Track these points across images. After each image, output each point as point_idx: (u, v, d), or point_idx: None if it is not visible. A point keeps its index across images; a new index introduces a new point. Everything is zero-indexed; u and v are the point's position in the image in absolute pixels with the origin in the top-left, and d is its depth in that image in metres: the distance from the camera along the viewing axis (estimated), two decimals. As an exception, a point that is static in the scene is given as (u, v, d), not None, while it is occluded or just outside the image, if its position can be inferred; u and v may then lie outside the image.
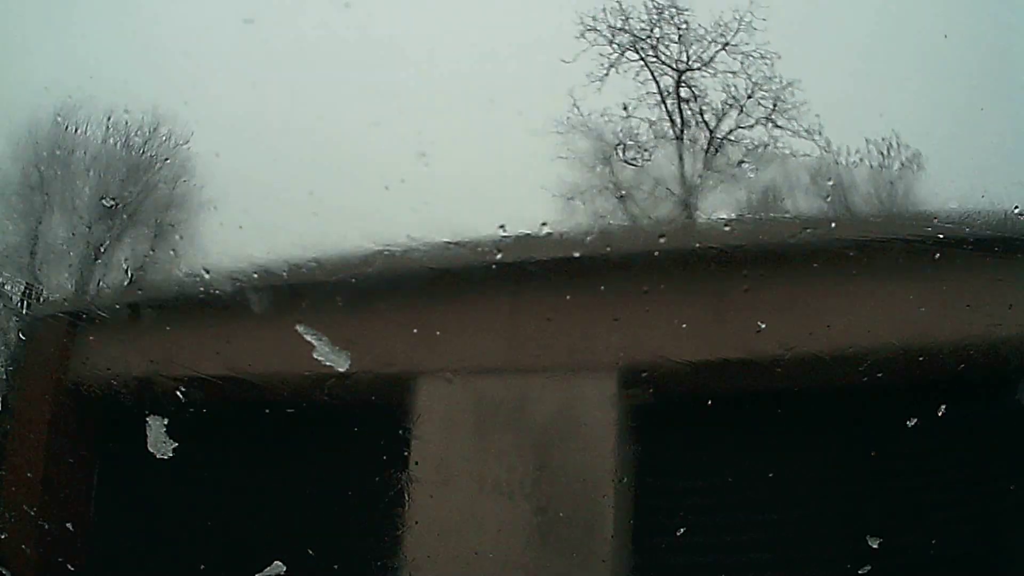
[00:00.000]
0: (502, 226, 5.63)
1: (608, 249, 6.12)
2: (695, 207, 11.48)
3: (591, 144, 11.69)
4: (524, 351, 5.54)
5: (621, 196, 11.37)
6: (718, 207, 11.35)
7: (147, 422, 8.56)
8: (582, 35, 12.00)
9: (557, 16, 11.94)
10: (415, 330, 5.76)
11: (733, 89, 11.98)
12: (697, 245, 5.67)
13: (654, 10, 12.30)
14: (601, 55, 12.11)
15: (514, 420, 5.52)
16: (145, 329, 6.69)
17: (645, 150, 11.76)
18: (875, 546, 5.05)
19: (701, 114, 12.04)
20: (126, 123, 11.31)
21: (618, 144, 11.71)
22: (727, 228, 6.71)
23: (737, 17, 11.99)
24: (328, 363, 9.31)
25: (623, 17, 12.23)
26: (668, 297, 5.35)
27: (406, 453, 5.57)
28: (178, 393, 6.02)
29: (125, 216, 11.43)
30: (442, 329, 5.71)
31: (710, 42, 12.11)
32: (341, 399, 5.68)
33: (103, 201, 11.40)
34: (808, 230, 6.13)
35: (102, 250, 11.18)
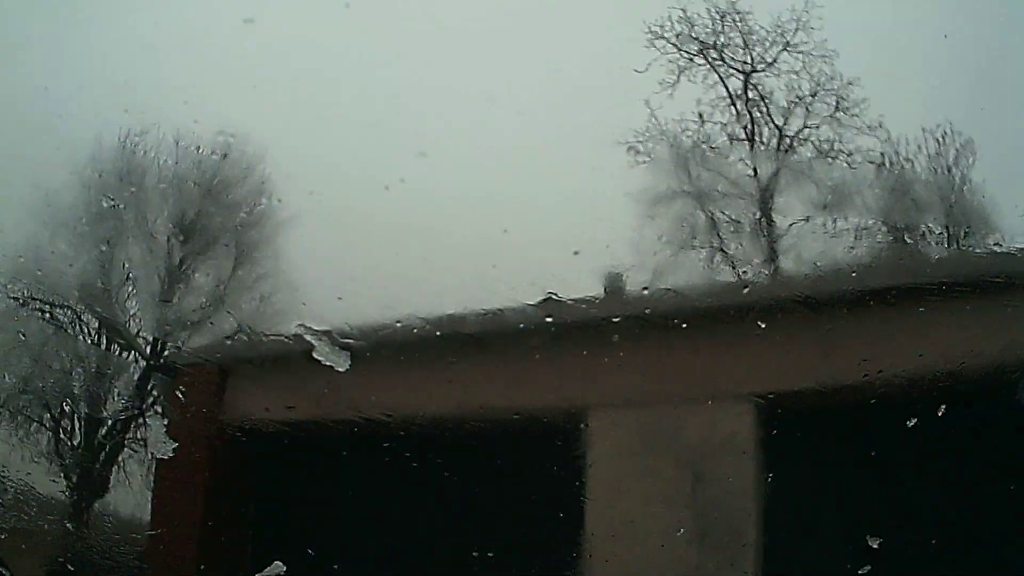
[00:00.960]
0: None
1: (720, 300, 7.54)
2: (772, 210, 11.68)
3: (669, 150, 12.04)
4: (675, 384, 6.52)
5: (700, 198, 11.69)
6: (793, 206, 11.62)
7: (147, 423, 8.57)
8: (651, 44, 12.34)
9: (626, 27, 12.20)
10: (584, 370, 6.62)
11: (797, 89, 12.29)
12: (803, 293, 6.73)
13: (716, 15, 12.57)
14: (670, 62, 12.44)
15: (671, 442, 6.47)
16: (293, 373, 7.16)
17: (721, 154, 12.09)
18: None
19: (770, 115, 12.31)
20: (198, 148, 11.32)
21: (695, 149, 12.05)
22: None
23: (795, 17, 12.30)
24: (328, 363, 9.39)
25: (688, 24, 12.50)
26: (785, 333, 6.36)
27: (581, 473, 6.44)
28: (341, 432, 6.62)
29: (204, 240, 11.55)
30: (607, 368, 6.58)
31: (771, 43, 12.40)
32: (523, 432, 6.53)
33: (103, 201, 11.43)
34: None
35: (184, 274, 11.38)
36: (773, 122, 12.19)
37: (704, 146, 12.07)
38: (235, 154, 11.43)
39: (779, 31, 12.35)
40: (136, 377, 10.73)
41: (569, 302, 7.01)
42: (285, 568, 6.39)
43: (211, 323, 11.06)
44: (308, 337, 10.33)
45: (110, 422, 10.65)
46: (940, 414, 5.63)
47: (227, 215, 11.74)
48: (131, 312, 11.16)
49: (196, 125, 10.83)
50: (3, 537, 6.94)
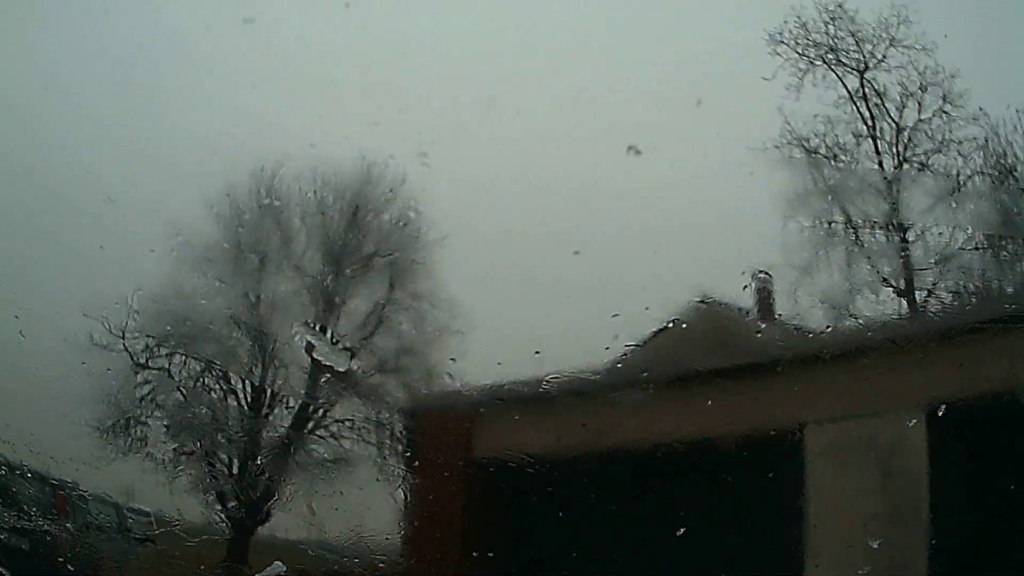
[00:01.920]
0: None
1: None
2: (898, 201, 12.00)
3: (802, 154, 12.27)
4: (867, 401, 7.20)
5: (834, 197, 12.03)
6: (919, 200, 11.93)
7: (148, 424, 8.68)
8: (774, 52, 12.54)
9: (748, 34, 12.53)
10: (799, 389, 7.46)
11: (907, 83, 12.54)
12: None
13: (828, 17, 12.75)
14: (791, 65, 12.64)
15: (867, 448, 7.18)
16: (532, 414, 7.92)
17: (847, 151, 12.40)
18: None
19: (886, 110, 12.58)
20: (334, 173, 11.38)
21: (825, 150, 12.33)
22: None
23: (895, 12, 12.56)
24: (328, 363, 9.45)
25: (802, 27, 12.68)
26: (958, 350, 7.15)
27: (800, 486, 7.09)
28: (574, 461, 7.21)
29: (356, 263, 11.55)
30: (816, 389, 7.41)
31: (878, 40, 12.66)
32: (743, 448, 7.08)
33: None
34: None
35: (338, 300, 11.37)
36: (890, 117, 12.53)
37: (833, 146, 12.45)
38: (376, 177, 11.62)
39: (884, 27, 12.67)
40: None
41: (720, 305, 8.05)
42: (285, 568, 6.43)
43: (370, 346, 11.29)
44: (309, 337, 10.41)
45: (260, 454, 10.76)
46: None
47: (376, 238, 11.83)
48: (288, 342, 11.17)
49: (326, 149, 10.91)
50: (3, 537, 6.93)
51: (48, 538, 7.27)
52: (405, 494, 8.16)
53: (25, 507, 7.35)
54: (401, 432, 9.68)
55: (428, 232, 11.31)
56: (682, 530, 6.29)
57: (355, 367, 10.87)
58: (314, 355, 10.28)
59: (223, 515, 10.07)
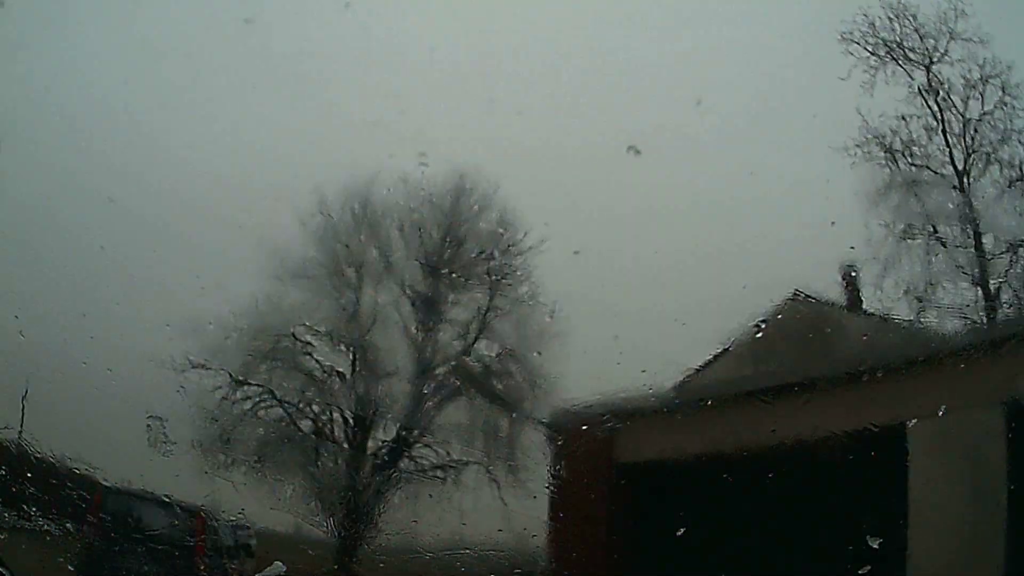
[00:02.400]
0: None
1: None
2: (970, 193, 12.25)
3: (880, 151, 12.53)
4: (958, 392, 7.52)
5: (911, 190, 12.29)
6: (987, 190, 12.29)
7: (148, 425, 8.74)
8: (847, 51, 12.78)
9: (821, 36, 12.73)
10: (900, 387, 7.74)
11: (969, 76, 12.79)
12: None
13: (892, 13, 13.00)
14: (862, 61, 12.88)
15: (958, 441, 7.47)
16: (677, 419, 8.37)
17: (920, 145, 12.65)
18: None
19: (952, 103, 12.79)
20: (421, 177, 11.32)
21: (900, 147, 12.54)
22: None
23: (952, 5, 12.82)
24: (328, 362, 9.54)
25: (870, 25, 12.90)
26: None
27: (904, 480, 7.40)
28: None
29: (455, 275, 11.71)
30: (916, 387, 7.73)
31: (939, 34, 12.89)
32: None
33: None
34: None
35: (440, 309, 11.59)
36: (956, 110, 12.74)
37: (908, 141, 12.69)
38: (469, 187, 11.73)
39: (943, 20, 12.90)
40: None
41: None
42: (285, 568, 6.44)
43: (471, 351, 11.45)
44: (307, 337, 10.48)
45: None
46: None
47: (474, 246, 11.91)
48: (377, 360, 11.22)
49: (412, 159, 11.01)
50: (3, 537, 6.93)
51: (48, 538, 7.27)
52: (550, 498, 8.40)
53: (163, 535, 7.43)
54: (545, 440, 9.76)
55: (525, 238, 11.45)
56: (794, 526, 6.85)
57: (458, 374, 11.18)
58: (416, 364, 10.74)
59: (329, 525, 10.18)
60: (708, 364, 8.96)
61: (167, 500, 7.69)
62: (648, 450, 8.56)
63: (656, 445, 8.51)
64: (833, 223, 10.58)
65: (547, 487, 8.52)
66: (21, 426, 7.97)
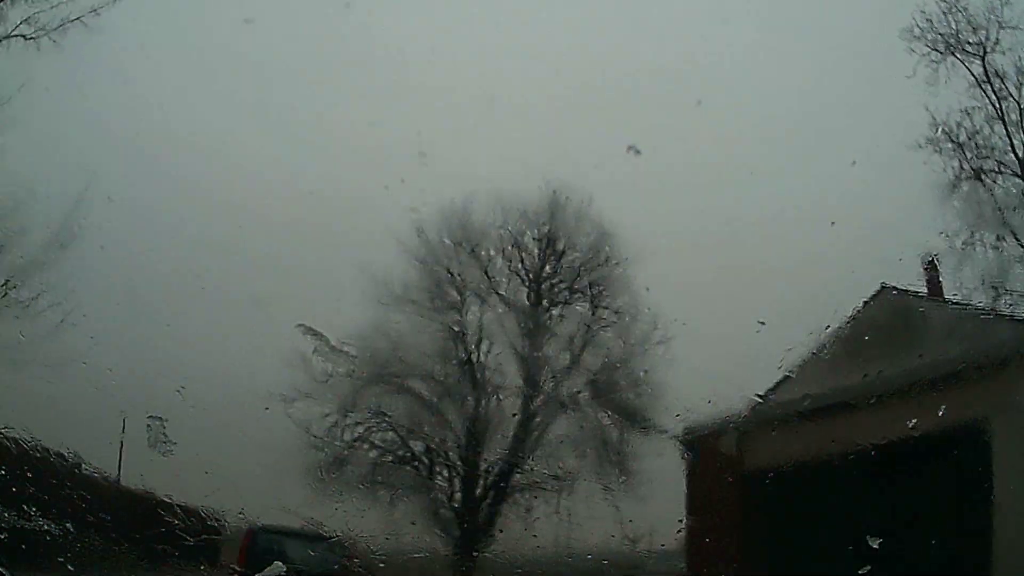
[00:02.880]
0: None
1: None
2: None
3: (949, 144, 12.67)
4: None
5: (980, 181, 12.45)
6: None
7: (149, 425, 8.82)
8: (910, 49, 12.92)
9: (883, 33, 12.85)
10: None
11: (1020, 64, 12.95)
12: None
13: (944, 7, 13.13)
14: (924, 56, 13.03)
15: None
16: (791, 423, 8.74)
17: (984, 135, 12.77)
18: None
19: (1009, 93, 12.93)
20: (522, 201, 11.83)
21: (965, 138, 12.67)
22: None
23: None
24: (329, 363, 9.62)
25: (928, 21, 13.01)
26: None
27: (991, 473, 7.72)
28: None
29: (564, 290, 12.07)
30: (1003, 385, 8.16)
31: (989, 23, 13.02)
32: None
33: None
34: None
35: (544, 325, 11.95)
36: (1014, 98, 12.87)
37: (973, 132, 12.84)
38: (564, 201, 11.97)
39: (990, 10, 13.05)
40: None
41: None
42: (285, 568, 6.45)
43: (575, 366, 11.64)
44: (309, 337, 10.53)
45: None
46: None
47: (573, 260, 12.21)
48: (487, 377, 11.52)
49: (508, 175, 11.69)
50: (3, 537, 6.94)
51: (48, 538, 7.27)
52: (685, 505, 8.80)
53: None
54: (678, 450, 9.95)
55: (621, 249, 11.62)
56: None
57: (567, 386, 11.47)
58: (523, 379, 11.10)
59: (446, 541, 10.65)
60: (807, 364, 9.12)
61: (314, 534, 7.95)
62: (769, 455, 8.86)
63: (774, 450, 8.82)
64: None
65: (674, 494, 9.02)
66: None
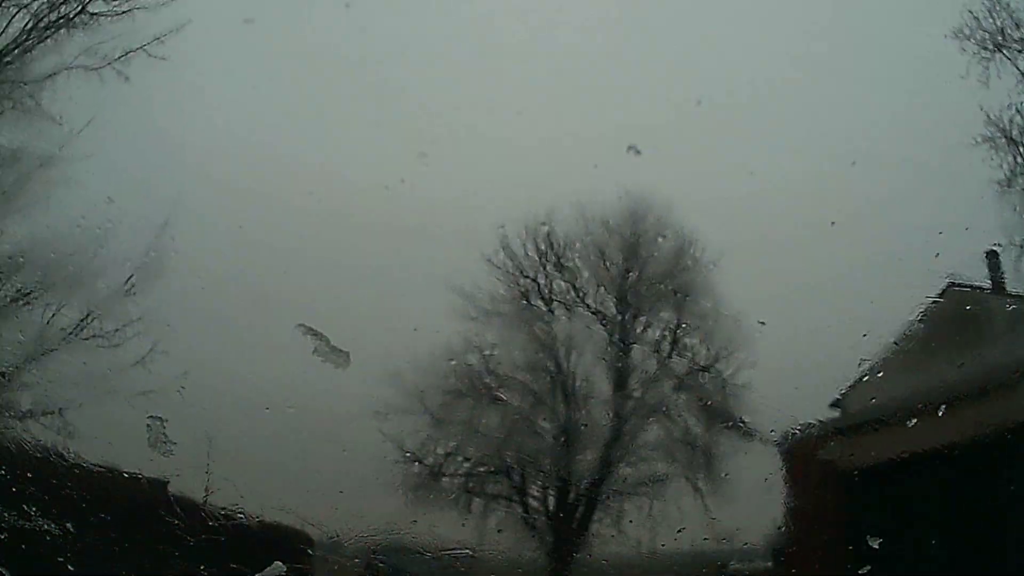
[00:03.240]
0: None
1: None
2: None
3: (1005, 142, 12.50)
4: None
5: None
6: None
7: (148, 425, 8.91)
8: (961, 49, 12.77)
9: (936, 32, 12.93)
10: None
11: None
12: None
13: (987, 2, 13.00)
14: (973, 55, 12.87)
15: None
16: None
17: None
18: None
19: None
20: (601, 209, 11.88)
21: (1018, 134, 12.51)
22: None
23: None
24: (328, 362, 9.67)
25: (974, 18, 12.87)
26: None
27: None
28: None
29: (648, 297, 12.22)
30: None
31: None
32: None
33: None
34: None
35: (633, 333, 12.19)
36: None
37: None
38: (644, 208, 12.30)
39: None
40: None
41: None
42: (286, 568, 6.45)
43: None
44: (308, 337, 10.53)
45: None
46: None
47: (655, 267, 12.59)
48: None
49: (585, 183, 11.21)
50: (3, 537, 6.94)
51: (48, 538, 7.27)
52: (785, 508, 8.92)
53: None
54: (765, 450, 10.20)
55: (703, 253, 11.94)
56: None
57: (655, 391, 11.83)
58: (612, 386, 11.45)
59: (539, 547, 11.03)
60: (887, 362, 9.17)
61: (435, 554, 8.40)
62: (862, 455, 9.06)
63: (866, 450, 9.03)
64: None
65: (761, 494, 9.04)
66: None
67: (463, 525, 9.40)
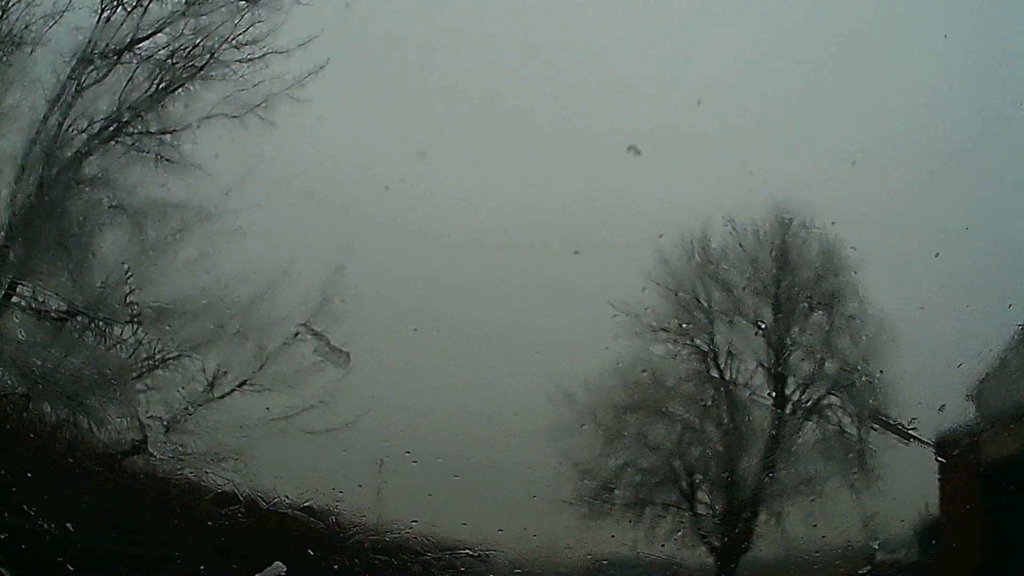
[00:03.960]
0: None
1: None
2: None
3: None
4: None
5: None
6: None
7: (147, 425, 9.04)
8: None
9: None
10: None
11: None
12: None
13: None
14: None
15: None
16: None
17: None
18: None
19: None
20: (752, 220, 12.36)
21: None
22: None
23: None
24: (328, 362, 9.68)
25: None
26: None
27: None
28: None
29: (801, 303, 12.67)
30: None
31: None
32: None
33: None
34: None
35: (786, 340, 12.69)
36: None
37: None
38: (789, 217, 12.55)
39: None
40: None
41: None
42: (286, 569, 6.46)
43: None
44: (309, 337, 10.60)
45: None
46: None
47: (805, 274, 12.88)
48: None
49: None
50: (3, 537, 6.94)
51: (48, 538, 7.27)
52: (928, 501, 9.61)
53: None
54: (920, 448, 10.57)
55: (849, 255, 12.17)
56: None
57: (811, 394, 12.39)
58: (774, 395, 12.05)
59: (707, 552, 11.59)
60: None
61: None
62: (1006, 448, 9.42)
63: (1010, 444, 9.37)
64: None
65: (912, 492, 9.82)
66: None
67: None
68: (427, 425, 9.81)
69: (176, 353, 10.05)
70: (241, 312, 10.21)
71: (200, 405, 9.86)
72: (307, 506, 8.82)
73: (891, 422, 11.13)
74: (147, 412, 9.59)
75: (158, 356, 10.04)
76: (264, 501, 8.78)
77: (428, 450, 9.34)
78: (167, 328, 10.08)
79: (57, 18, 10.47)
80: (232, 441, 9.49)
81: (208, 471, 9.15)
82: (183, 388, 9.97)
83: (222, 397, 10.07)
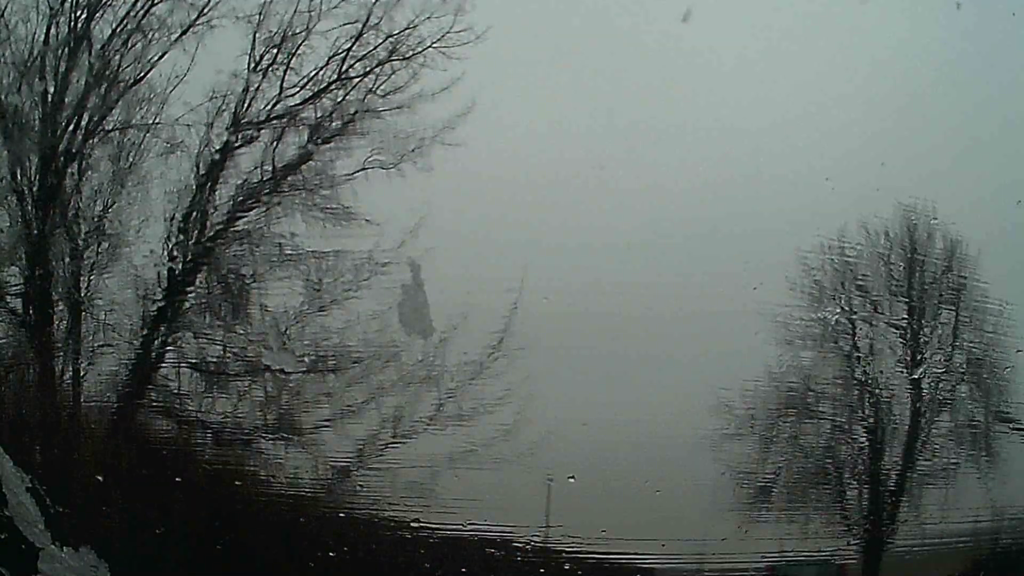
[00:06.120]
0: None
1: None
2: None
3: None
4: None
5: None
6: None
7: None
8: None
9: None
10: None
11: None
12: None
13: None
14: None
15: None
16: None
17: None
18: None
19: None
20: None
21: None
22: None
23: None
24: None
25: None
26: None
27: None
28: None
29: (931, 300, 13.11)
30: None
31: None
32: None
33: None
34: None
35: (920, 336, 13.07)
36: None
37: None
38: (915, 220, 13.01)
39: None
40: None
41: None
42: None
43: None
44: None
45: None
46: None
47: (932, 271, 13.32)
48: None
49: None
50: (3, 537, 6.94)
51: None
52: None
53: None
54: None
55: (972, 247, 12.81)
56: None
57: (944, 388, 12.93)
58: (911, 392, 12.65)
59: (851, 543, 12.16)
60: None
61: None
62: None
63: None
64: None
65: None
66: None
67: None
68: (595, 442, 10.16)
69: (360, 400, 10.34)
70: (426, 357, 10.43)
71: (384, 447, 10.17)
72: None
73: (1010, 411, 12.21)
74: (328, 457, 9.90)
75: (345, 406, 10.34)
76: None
77: (595, 466, 9.89)
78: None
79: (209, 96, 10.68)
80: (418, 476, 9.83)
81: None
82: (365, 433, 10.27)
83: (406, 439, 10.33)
